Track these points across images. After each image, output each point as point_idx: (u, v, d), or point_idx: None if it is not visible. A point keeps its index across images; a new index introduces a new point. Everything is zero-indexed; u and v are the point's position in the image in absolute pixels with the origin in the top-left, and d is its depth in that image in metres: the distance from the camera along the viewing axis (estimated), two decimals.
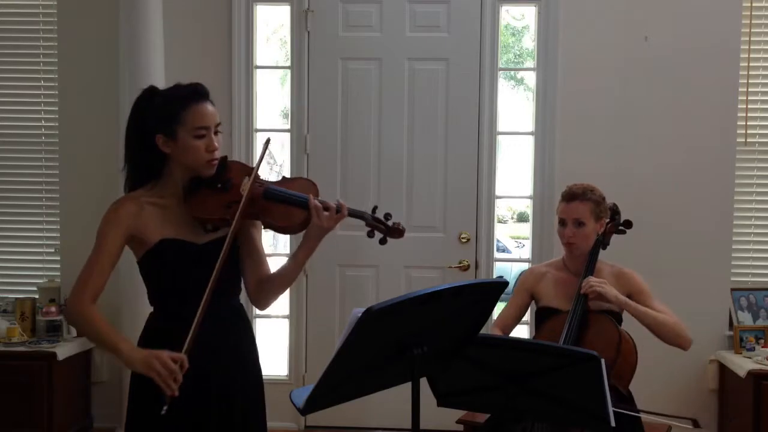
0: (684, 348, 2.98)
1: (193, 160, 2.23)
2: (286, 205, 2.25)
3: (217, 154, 2.26)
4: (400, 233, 2.29)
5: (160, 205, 2.26)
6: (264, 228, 2.32)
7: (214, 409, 2.26)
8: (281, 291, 2.37)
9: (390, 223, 2.29)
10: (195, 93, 2.24)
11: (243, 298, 2.41)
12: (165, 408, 2.04)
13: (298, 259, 2.30)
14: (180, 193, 2.27)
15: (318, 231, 2.24)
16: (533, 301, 3.20)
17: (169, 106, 2.22)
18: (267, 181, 2.31)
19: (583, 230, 3.02)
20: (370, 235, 2.29)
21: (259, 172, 2.32)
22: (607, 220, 3.13)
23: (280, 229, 2.29)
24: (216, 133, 2.26)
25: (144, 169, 2.28)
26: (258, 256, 2.37)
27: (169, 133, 2.22)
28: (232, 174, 2.28)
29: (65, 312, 2.26)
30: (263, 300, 2.38)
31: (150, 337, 2.29)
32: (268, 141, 2.37)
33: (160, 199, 2.27)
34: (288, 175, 4.03)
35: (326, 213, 2.22)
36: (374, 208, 2.30)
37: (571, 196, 3.06)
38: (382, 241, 2.30)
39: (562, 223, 3.07)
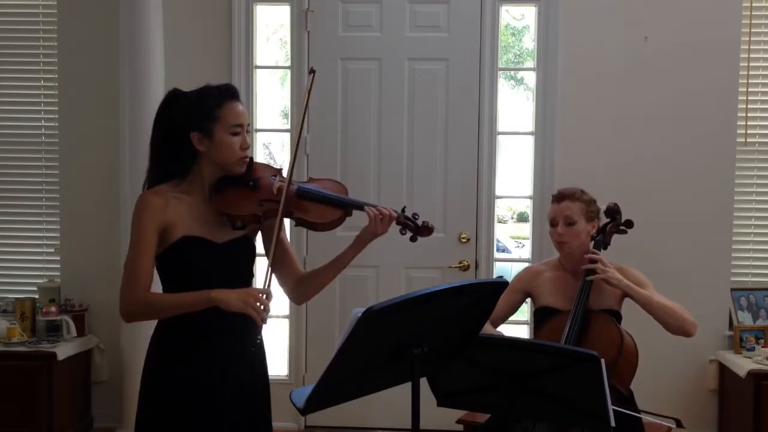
0: (690, 334, 2.91)
1: (227, 157, 2.27)
2: (320, 204, 2.33)
3: (248, 153, 2.31)
4: (429, 231, 2.39)
5: (185, 201, 2.28)
6: (295, 225, 2.36)
7: (226, 409, 2.28)
8: (320, 290, 2.48)
9: (419, 222, 2.39)
10: (228, 92, 2.30)
11: None
12: (260, 338, 2.18)
13: (343, 261, 2.41)
14: (206, 191, 2.30)
15: (371, 237, 2.36)
16: (531, 301, 3.19)
17: (205, 104, 2.26)
18: (296, 181, 2.37)
19: (574, 229, 3.00)
20: (402, 232, 2.40)
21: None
22: (601, 222, 3.10)
23: (312, 226, 2.35)
24: (247, 132, 2.32)
25: (172, 167, 2.30)
26: (290, 255, 2.45)
27: (205, 131, 2.25)
28: (259, 173, 2.34)
29: (126, 312, 2.21)
30: (302, 298, 2.52)
31: (162, 339, 2.30)
32: (312, 72, 2.39)
33: (185, 196, 2.29)
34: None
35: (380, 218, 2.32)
36: (404, 208, 2.40)
37: (560, 196, 3.06)
38: (413, 239, 2.41)
39: (553, 223, 3.05)
